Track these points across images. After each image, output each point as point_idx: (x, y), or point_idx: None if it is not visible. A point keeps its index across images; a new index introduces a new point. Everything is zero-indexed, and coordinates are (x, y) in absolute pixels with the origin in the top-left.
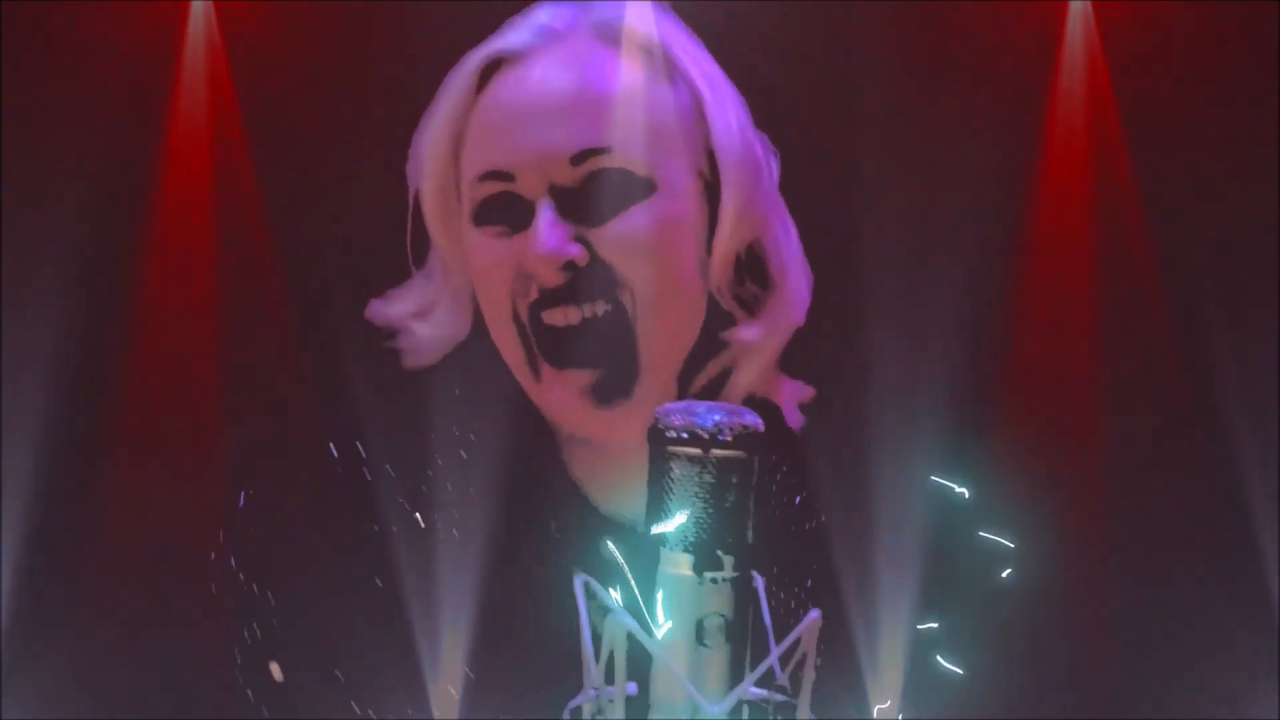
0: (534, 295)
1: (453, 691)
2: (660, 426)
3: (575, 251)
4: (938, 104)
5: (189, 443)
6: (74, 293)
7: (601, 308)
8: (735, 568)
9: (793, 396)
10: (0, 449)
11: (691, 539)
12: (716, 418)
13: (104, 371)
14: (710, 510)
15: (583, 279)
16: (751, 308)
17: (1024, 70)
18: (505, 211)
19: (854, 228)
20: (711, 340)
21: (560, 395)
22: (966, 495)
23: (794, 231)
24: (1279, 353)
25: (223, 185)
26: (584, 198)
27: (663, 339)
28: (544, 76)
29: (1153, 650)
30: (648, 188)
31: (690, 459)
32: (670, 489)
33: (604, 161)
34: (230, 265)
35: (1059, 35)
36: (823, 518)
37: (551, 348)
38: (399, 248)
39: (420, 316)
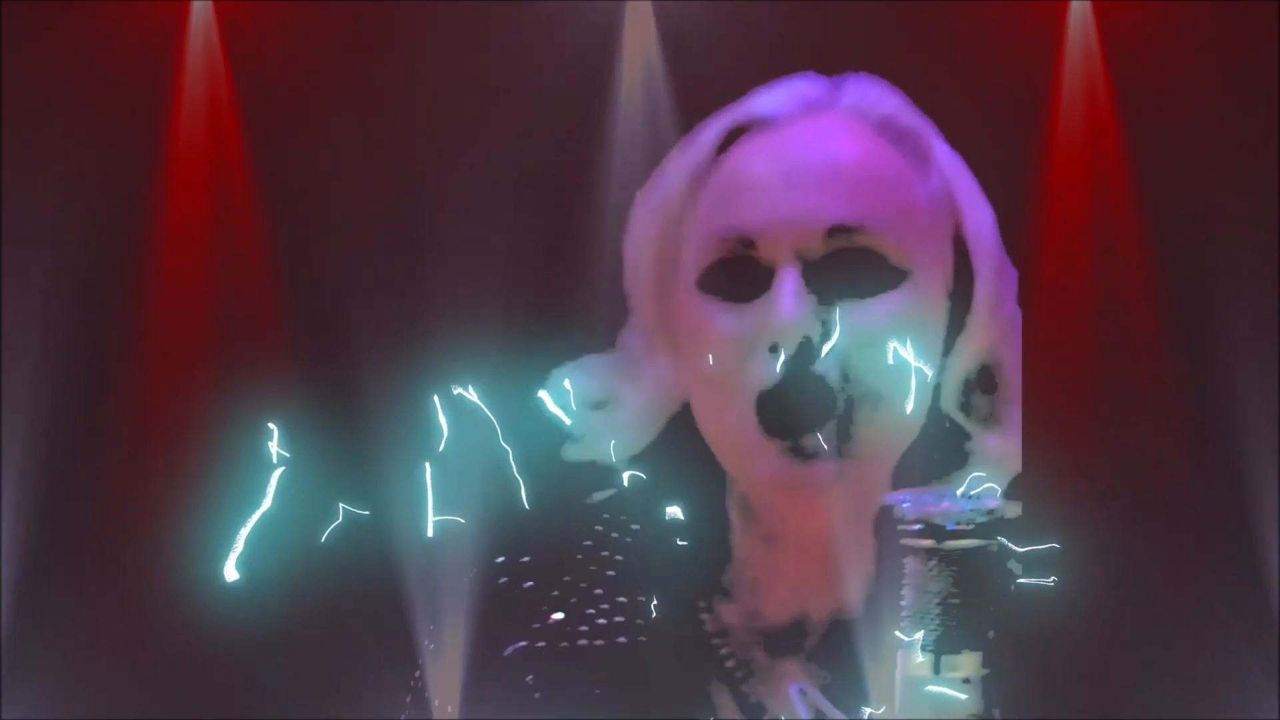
0: (768, 377)
1: None
2: (894, 517)
3: (814, 328)
4: (938, 104)
5: (190, 445)
6: (74, 292)
7: (827, 391)
8: (984, 665)
9: None
10: (1, 450)
11: (933, 637)
12: (948, 504)
13: (105, 373)
14: (950, 605)
15: (815, 357)
16: (985, 418)
17: (1024, 70)
18: (737, 278)
19: None
20: (951, 451)
21: (767, 459)
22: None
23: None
24: (1279, 352)
25: (222, 185)
26: (831, 273)
27: (877, 430)
28: (801, 146)
29: (1153, 650)
30: (898, 276)
31: (925, 551)
32: (905, 584)
33: (858, 240)
34: (229, 264)
35: (1059, 35)
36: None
37: (771, 417)
38: (398, 247)
39: (622, 395)
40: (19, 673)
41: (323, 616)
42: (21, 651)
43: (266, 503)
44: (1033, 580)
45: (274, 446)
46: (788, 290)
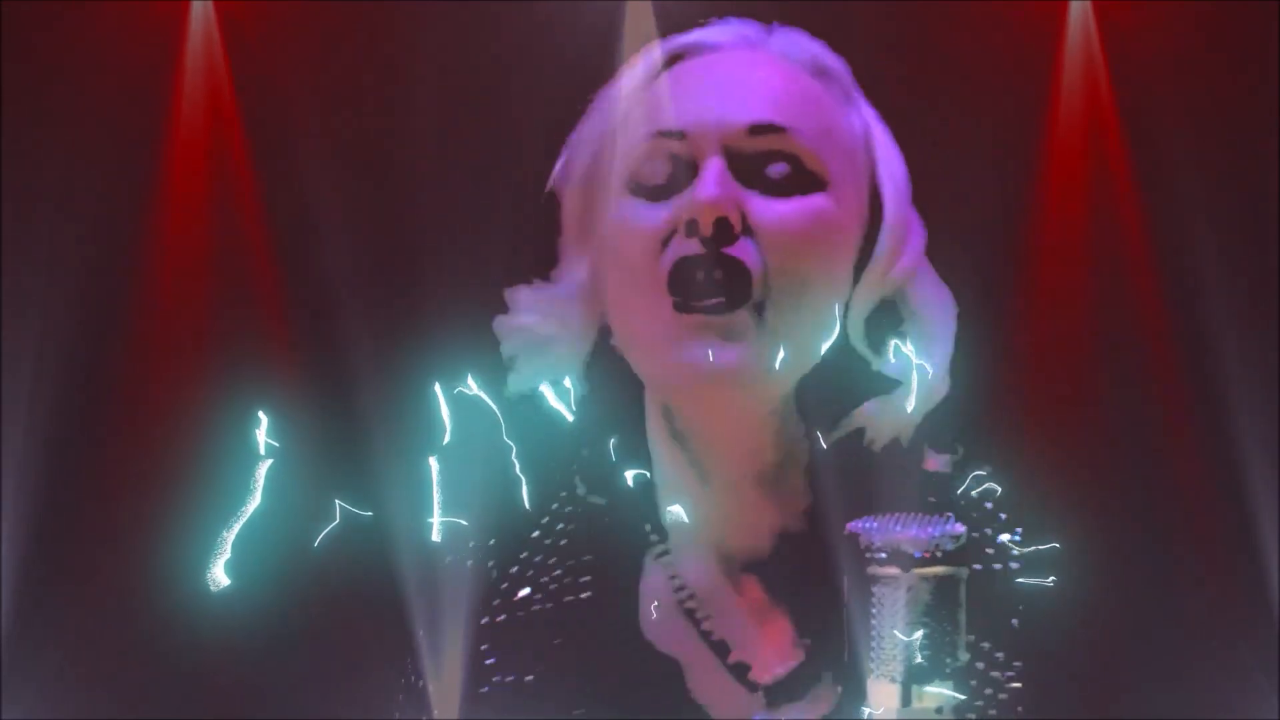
0: (682, 252)
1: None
2: (859, 545)
3: (733, 211)
4: (938, 104)
5: (191, 445)
6: (73, 294)
7: (742, 271)
8: (954, 695)
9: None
10: (1, 449)
11: (901, 668)
12: (915, 531)
13: (105, 372)
14: (920, 634)
15: (732, 240)
16: (890, 350)
17: (1024, 70)
18: (666, 176)
19: None
20: (847, 390)
21: (680, 343)
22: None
23: (950, 306)
24: (1279, 353)
25: (222, 185)
26: (755, 167)
27: (787, 335)
28: (732, 60)
29: (1153, 650)
30: (816, 183)
31: (893, 580)
32: (873, 613)
33: (780, 142)
34: (229, 263)
35: (1059, 35)
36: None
37: (684, 288)
38: (397, 247)
39: (550, 325)
40: (19, 673)
41: (320, 617)
42: (21, 652)
43: (255, 499)
44: (1032, 580)
45: (262, 435)
46: (711, 173)
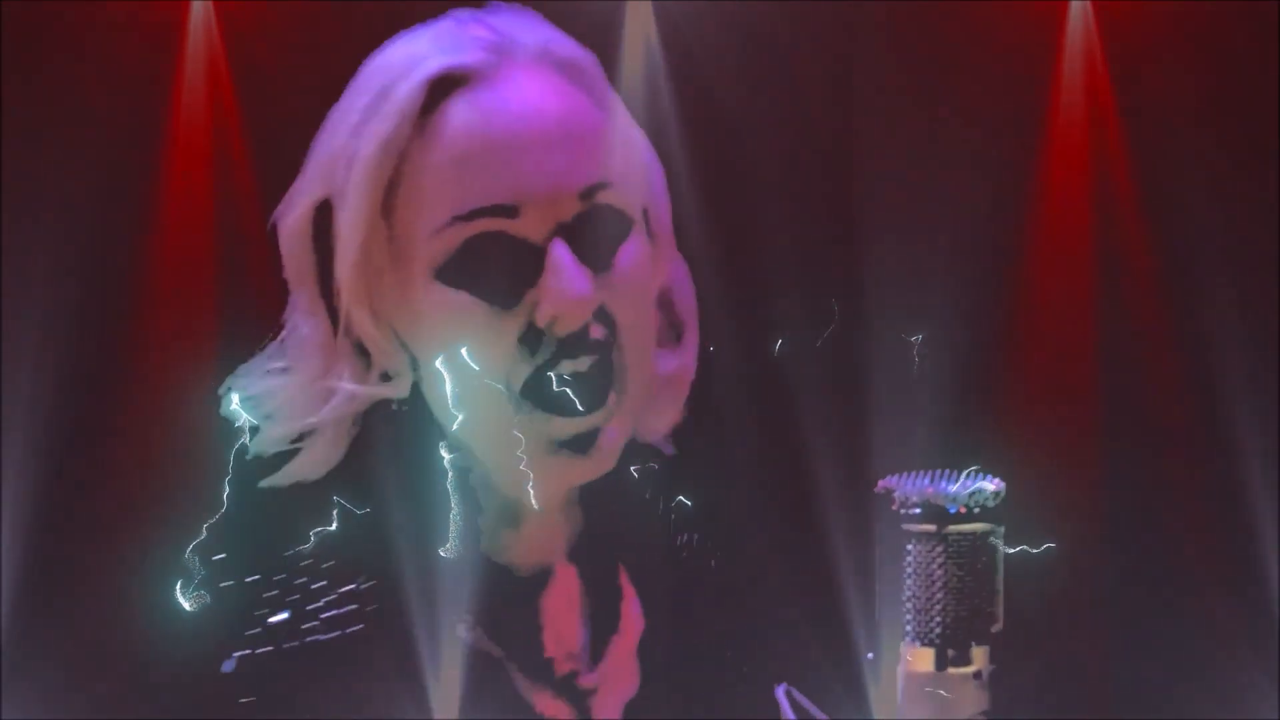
0: (545, 355)
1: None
2: (891, 502)
3: (598, 296)
4: (938, 103)
5: (189, 445)
6: (74, 294)
7: (597, 356)
8: (990, 660)
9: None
10: (0, 448)
11: (938, 631)
12: (949, 485)
13: (105, 371)
14: (956, 595)
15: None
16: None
17: (1024, 70)
18: (495, 261)
19: (853, 227)
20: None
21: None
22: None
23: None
24: (1279, 354)
25: (223, 186)
26: (587, 237)
27: (640, 377)
28: (530, 102)
29: (1153, 650)
30: (629, 225)
31: (927, 537)
32: (906, 574)
33: (606, 197)
34: (230, 266)
35: (1059, 35)
36: None
37: (552, 402)
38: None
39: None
40: (19, 673)
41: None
42: (21, 651)
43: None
44: (1020, 548)
45: (235, 403)
46: (568, 265)
